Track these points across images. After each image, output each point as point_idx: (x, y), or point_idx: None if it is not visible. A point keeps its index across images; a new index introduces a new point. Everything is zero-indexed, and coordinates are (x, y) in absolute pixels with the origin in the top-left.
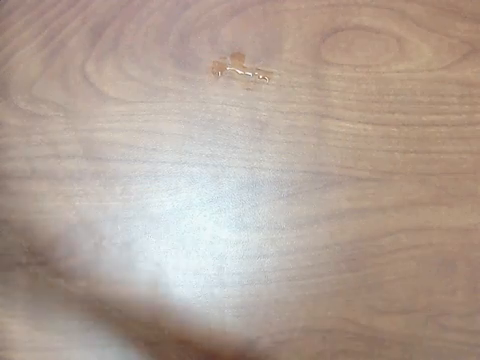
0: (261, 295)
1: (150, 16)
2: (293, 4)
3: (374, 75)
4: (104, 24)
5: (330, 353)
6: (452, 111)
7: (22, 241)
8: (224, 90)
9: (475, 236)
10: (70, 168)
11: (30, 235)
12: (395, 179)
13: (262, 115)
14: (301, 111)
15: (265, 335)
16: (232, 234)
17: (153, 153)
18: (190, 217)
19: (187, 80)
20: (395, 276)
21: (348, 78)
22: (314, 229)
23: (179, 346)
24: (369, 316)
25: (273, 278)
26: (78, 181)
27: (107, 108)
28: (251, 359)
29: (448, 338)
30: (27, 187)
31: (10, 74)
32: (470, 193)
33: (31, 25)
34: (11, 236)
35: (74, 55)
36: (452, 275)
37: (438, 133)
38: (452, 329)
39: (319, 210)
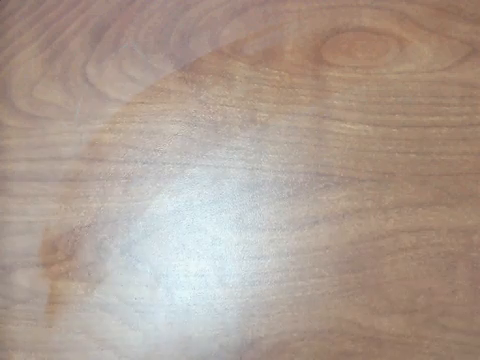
0: (262, 296)
1: (151, 17)
2: (294, 5)
3: (375, 76)
4: (105, 26)
5: (331, 354)
6: (453, 112)
7: (23, 243)
8: (225, 91)
9: (475, 237)
10: (71, 170)
11: (31, 237)
12: (396, 180)
13: (263, 116)
14: (302, 112)
15: (266, 336)
16: (233, 235)
17: (154, 154)
18: (191, 218)
19: (188, 81)
20: (395, 277)
21: (349, 79)
22: (315, 230)
23: (180, 347)
24: (369, 317)
25: (274, 279)
26: (79, 183)
27: (108, 109)
28: None
29: (448, 339)
30: (28, 189)
31: (11, 76)
32: (471, 194)
33: (32, 27)
34: (12, 237)
35: (75, 57)
36: (452, 276)
37: (439, 134)
38: (452, 330)
39: (320, 211)
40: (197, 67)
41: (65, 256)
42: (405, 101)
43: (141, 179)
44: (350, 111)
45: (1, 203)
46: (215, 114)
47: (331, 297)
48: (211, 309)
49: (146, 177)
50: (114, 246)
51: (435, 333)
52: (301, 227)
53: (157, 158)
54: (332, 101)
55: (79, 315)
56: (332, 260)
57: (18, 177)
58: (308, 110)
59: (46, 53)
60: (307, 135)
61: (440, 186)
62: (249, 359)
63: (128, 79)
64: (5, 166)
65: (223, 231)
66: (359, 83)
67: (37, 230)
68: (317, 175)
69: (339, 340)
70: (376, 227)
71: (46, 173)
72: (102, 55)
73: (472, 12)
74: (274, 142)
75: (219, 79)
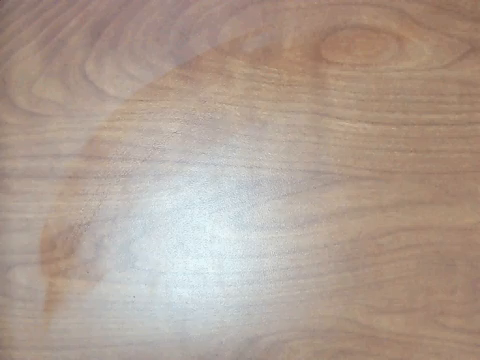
0: (261, 294)
1: (150, 15)
2: (293, 3)
3: (374, 74)
4: (104, 23)
5: (329, 352)
6: (452, 110)
7: (21, 240)
8: (224, 89)
9: (475, 235)
10: (70, 167)
11: (29, 234)
12: (395, 178)
13: (262, 114)
14: (301, 110)
15: (265, 334)
16: (232, 233)
17: (153, 152)
18: (190, 216)
19: (187, 79)
20: (394, 275)
21: (348, 77)
22: (314, 228)
23: (179, 346)
24: (368, 315)
25: (273, 277)
26: (78, 180)
27: (107, 107)
28: (251, 359)
29: (447, 337)
30: (27, 186)
31: (10, 73)
32: (470, 192)
33: (31, 24)
34: (10, 235)
35: (74, 54)
36: (451, 274)
37: (438, 132)
38: (451, 328)
39: (319, 209)
40: (196, 65)
41: (64, 254)
42: (404, 99)
43: (140, 177)
44: (349, 109)
45: (0, 200)
46: (214, 112)
47: (330, 295)
48: (210, 307)
49: (145, 175)
50: (113, 244)
51: (434, 332)
52: (300, 225)
53: (156, 156)
54: (331, 99)
55: (78, 313)
56: (331, 258)
57: (17, 174)
58: (307, 108)
59: (45, 50)
60: (306, 133)
61: (439, 184)
62: (248, 357)
63: (127, 76)
64: (4, 163)
65: (222, 229)
66: (358, 81)
67: (36, 227)
68: (316, 173)
69: (338, 338)
70: (375, 225)
71: (45, 170)
72: (101, 52)
73: (471, 10)
74: (273, 140)
75: (218, 77)
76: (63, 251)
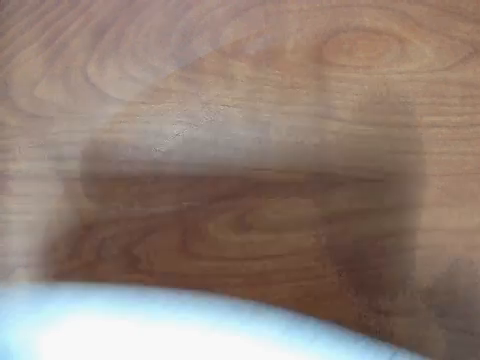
0: (263, 296)
1: (152, 17)
2: (295, 5)
3: (376, 76)
4: (105, 25)
5: None
6: (454, 112)
7: (24, 242)
8: (226, 91)
9: (476, 237)
10: (72, 169)
11: (32, 236)
12: (397, 180)
13: (264, 116)
14: (303, 112)
15: None
16: (234, 236)
17: (155, 154)
18: (192, 219)
19: (189, 81)
20: (396, 277)
21: (350, 79)
22: (316, 230)
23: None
24: (371, 317)
25: (275, 279)
26: (79, 182)
27: (109, 109)
28: None
29: (449, 339)
30: (29, 188)
31: (12, 75)
32: (472, 194)
33: (32, 26)
34: (13, 237)
35: (76, 56)
36: (453, 276)
37: (440, 134)
38: (453, 330)
39: (321, 211)
40: (198, 67)
41: (66, 256)
42: (406, 101)
43: (142, 179)
44: (351, 111)
45: (2, 202)
46: (216, 114)
47: (332, 297)
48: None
49: (147, 177)
50: (115, 246)
51: (436, 334)
52: (302, 227)
53: (158, 158)
54: (333, 101)
55: None
56: (333, 260)
57: (19, 176)
58: (309, 110)
59: (47, 52)
60: (308, 135)
61: (441, 186)
62: None
63: (129, 78)
64: (6, 165)
65: (224, 232)
66: (360, 83)
67: (38, 230)
68: (318, 175)
69: None
70: (377, 227)
71: (47, 173)
72: (103, 54)
73: (473, 12)
74: (275, 142)
75: (220, 79)
76: (65, 253)
